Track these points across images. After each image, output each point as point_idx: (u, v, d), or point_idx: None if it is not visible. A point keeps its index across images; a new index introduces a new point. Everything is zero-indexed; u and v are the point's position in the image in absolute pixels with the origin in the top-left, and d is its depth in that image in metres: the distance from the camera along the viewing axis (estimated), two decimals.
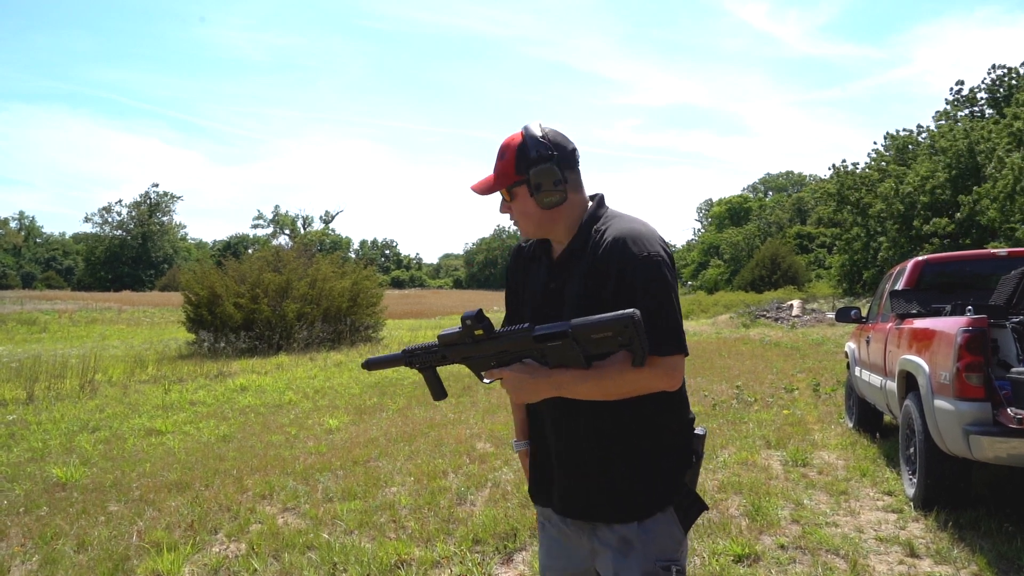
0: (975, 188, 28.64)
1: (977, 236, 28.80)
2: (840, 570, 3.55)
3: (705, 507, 1.72)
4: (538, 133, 1.67)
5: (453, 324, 1.82)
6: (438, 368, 1.77)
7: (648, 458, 1.67)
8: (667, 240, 1.69)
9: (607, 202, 1.79)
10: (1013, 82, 34.59)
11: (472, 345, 1.65)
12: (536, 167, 1.65)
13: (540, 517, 1.89)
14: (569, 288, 1.70)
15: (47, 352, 16.90)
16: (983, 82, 36.98)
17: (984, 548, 3.72)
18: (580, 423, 1.68)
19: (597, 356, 1.57)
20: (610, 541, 1.67)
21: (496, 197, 1.76)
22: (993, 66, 36.94)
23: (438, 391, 1.80)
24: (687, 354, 1.62)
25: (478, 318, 1.61)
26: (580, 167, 1.75)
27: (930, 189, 31.84)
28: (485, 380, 1.68)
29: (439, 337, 1.70)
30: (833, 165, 40.89)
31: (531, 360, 1.61)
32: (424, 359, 1.74)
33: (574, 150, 1.72)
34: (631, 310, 1.49)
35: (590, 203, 1.76)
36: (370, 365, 1.82)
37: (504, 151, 1.69)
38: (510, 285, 1.92)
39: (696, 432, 1.73)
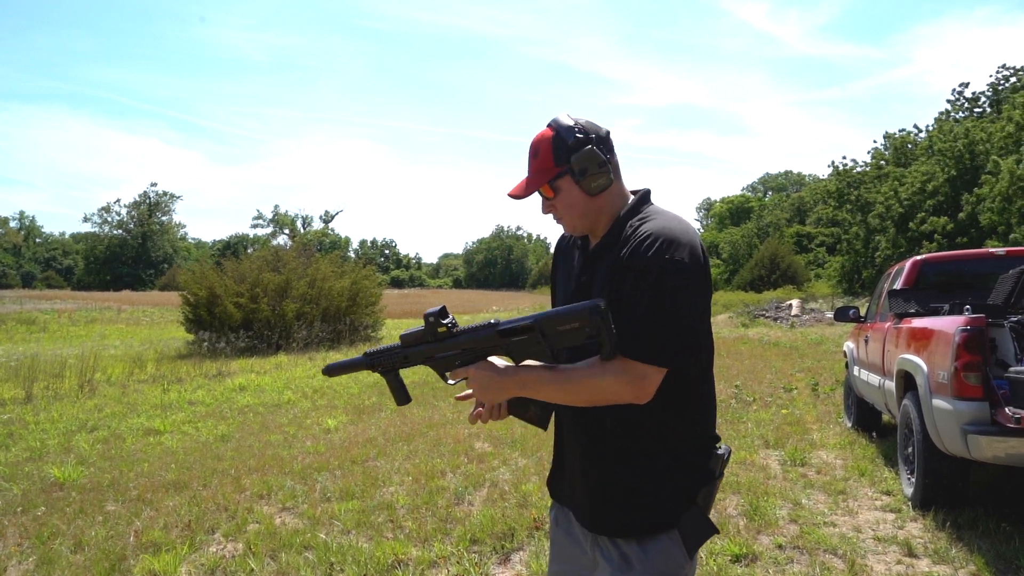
0: (975, 190, 28.76)
1: (976, 236, 28.87)
2: (838, 570, 3.54)
3: (716, 531, 1.63)
4: (569, 122, 1.62)
5: None
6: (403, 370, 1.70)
7: (659, 473, 1.60)
8: (701, 249, 1.58)
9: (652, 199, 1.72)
10: (1019, 84, 34.59)
11: (435, 344, 1.60)
12: (577, 152, 1.59)
13: (552, 512, 1.84)
14: (597, 282, 1.64)
15: (46, 351, 16.89)
16: (990, 78, 37.08)
17: (982, 548, 3.72)
18: (594, 427, 1.63)
19: (574, 351, 1.54)
20: (611, 556, 1.61)
21: (531, 204, 1.73)
22: (1002, 66, 37.06)
23: (401, 396, 1.71)
24: (668, 367, 1.50)
25: (441, 314, 1.57)
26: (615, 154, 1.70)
27: (931, 190, 31.92)
28: (450, 381, 1.63)
29: (401, 337, 1.64)
30: (832, 162, 40.99)
31: (498, 358, 1.57)
32: (387, 362, 1.66)
33: (608, 134, 1.66)
34: (597, 300, 1.44)
35: (632, 197, 1.70)
36: (331, 371, 1.71)
37: (537, 148, 1.63)
38: (552, 279, 1.89)
39: (717, 451, 1.64)
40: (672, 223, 1.59)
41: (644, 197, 1.70)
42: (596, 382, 1.50)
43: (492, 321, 1.58)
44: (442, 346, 1.60)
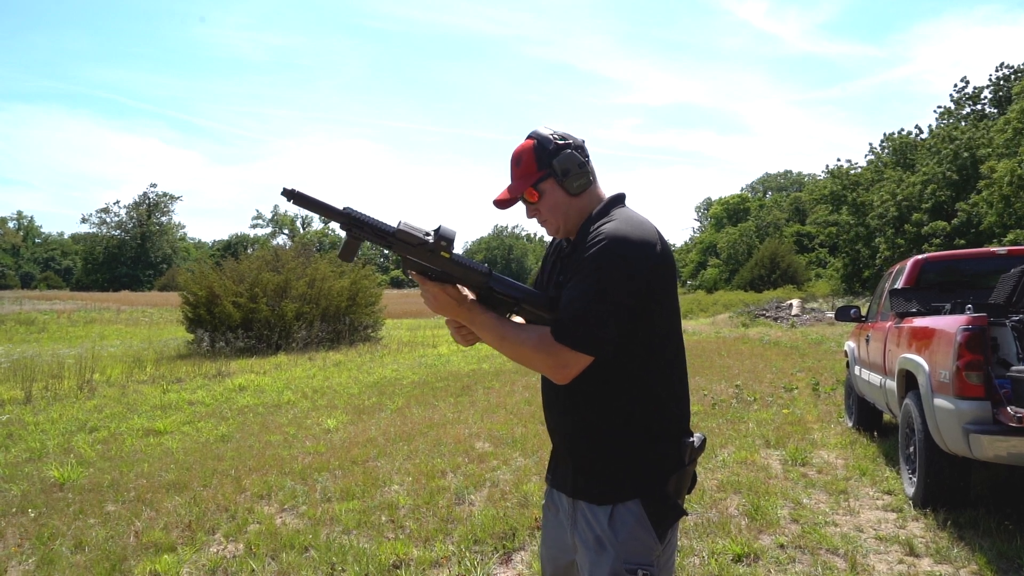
0: (971, 195, 28.91)
1: (973, 238, 28.98)
2: (839, 569, 3.54)
3: (684, 513, 1.70)
4: (548, 132, 1.75)
5: None
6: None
7: (630, 454, 1.69)
8: (657, 250, 1.65)
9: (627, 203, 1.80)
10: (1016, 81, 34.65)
11: (428, 255, 1.61)
12: (558, 156, 1.71)
13: (545, 497, 1.93)
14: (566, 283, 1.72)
15: (45, 352, 16.88)
16: (990, 77, 37.16)
17: (984, 547, 3.71)
18: (574, 410, 1.74)
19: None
20: (587, 539, 1.71)
21: (514, 210, 1.82)
22: (1002, 64, 37.16)
23: (350, 255, 1.65)
24: (592, 356, 1.58)
25: (452, 243, 1.61)
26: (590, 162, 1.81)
27: (930, 192, 32.01)
28: (408, 274, 1.68)
29: (400, 227, 1.59)
30: (827, 166, 41.08)
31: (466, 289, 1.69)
32: (368, 234, 1.60)
33: (584, 142, 1.78)
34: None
35: (605, 199, 1.79)
36: (294, 196, 1.57)
37: (519, 157, 1.75)
38: (539, 274, 1.99)
39: (688, 439, 1.70)
40: (628, 225, 1.66)
41: (615, 199, 1.78)
42: (524, 350, 1.63)
43: (487, 269, 1.67)
44: (429, 258, 1.63)
